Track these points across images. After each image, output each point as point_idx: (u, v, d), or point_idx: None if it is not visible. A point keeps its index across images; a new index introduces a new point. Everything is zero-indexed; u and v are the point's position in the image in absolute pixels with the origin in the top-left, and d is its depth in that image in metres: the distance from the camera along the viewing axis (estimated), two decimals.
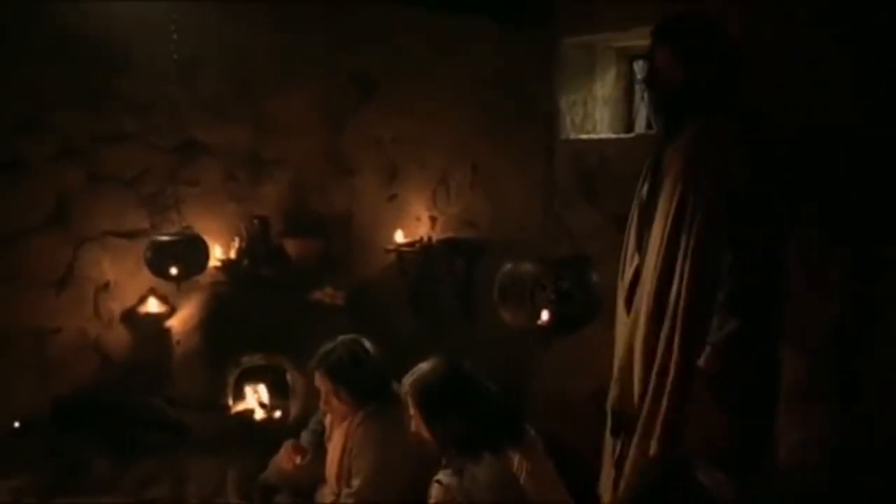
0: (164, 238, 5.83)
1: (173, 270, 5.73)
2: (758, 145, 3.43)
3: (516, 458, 3.60)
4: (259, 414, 6.13)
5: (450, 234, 6.32)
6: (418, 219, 6.59)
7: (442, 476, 3.82)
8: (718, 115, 3.50)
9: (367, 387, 4.48)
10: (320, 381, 4.55)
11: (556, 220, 5.35)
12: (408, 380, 3.88)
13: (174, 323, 6.54)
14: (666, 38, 3.64)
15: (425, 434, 3.81)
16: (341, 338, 4.62)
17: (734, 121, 3.48)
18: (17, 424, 6.09)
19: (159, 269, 5.79)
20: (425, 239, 6.43)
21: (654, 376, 3.64)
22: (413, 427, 3.86)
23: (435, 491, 3.81)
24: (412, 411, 3.84)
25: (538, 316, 4.04)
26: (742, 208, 3.38)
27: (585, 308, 4.16)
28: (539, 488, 3.55)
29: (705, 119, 3.52)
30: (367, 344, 4.60)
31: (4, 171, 6.18)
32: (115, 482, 5.83)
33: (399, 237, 6.45)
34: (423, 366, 3.92)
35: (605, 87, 5.70)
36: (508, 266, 4.19)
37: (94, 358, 6.66)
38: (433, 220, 6.50)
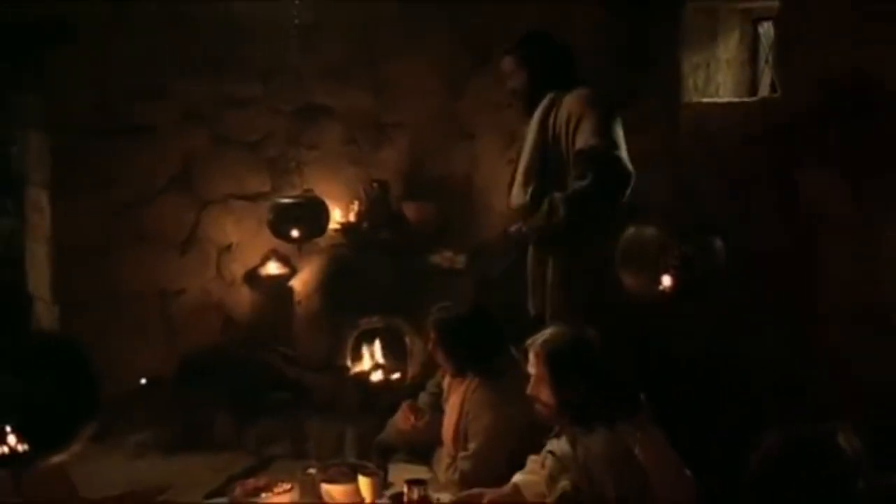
0: (286, 201, 5.91)
1: (294, 233, 5.82)
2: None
3: (629, 429, 3.53)
4: (376, 375, 6.17)
5: None
6: None
7: (555, 447, 3.76)
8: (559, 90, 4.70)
9: (479, 351, 4.47)
10: (432, 344, 4.57)
11: (678, 184, 5.25)
12: (537, 339, 3.80)
13: (295, 284, 6.60)
14: (511, 52, 4.96)
15: (543, 397, 3.73)
16: (456, 302, 4.62)
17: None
18: (143, 381, 6.26)
19: (281, 232, 5.89)
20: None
21: None
22: (530, 388, 3.79)
23: (549, 462, 3.76)
24: (537, 371, 3.76)
25: (660, 281, 3.95)
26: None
27: (709, 274, 4.06)
28: (653, 458, 3.48)
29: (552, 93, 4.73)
30: (483, 308, 4.58)
31: (132, 137, 6.31)
32: (237, 440, 5.98)
33: None
34: (553, 329, 3.85)
35: (728, 49, 5.61)
36: (631, 230, 4.10)
37: (217, 318, 6.80)
38: None
